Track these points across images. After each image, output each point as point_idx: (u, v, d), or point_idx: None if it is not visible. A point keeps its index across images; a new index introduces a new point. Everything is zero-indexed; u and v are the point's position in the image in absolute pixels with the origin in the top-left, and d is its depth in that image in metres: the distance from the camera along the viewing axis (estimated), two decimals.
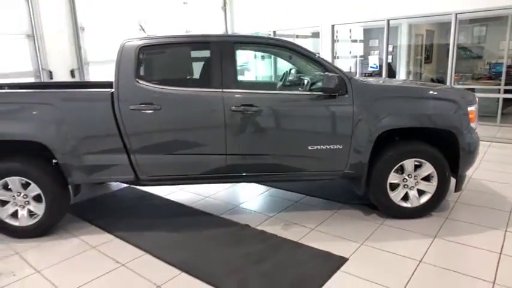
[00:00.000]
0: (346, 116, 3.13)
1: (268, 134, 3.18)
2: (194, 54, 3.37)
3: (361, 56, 9.41)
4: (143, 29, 3.55)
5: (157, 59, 3.31)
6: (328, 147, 3.18)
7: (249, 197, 4.10)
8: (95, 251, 3.04)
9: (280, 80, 4.27)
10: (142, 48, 3.14)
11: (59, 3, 6.09)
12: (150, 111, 3.07)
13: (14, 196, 3.21)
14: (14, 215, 3.25)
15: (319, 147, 3.18)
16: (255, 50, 3.73)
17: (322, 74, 3.16)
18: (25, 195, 3.21)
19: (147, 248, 3.02)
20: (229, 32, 9.13)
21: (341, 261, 2.72)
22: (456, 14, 6.22)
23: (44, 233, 3.29)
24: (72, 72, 6.29)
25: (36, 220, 3.25)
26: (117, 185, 4.58)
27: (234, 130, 3.12)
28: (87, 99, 3.18)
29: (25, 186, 3.19)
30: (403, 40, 8.44)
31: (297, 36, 8.86)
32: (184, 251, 2.96)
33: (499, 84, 7.48)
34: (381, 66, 8.17)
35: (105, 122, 3.09)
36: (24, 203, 3.23)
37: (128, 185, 4.52)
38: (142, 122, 3.10)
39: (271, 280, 2.52)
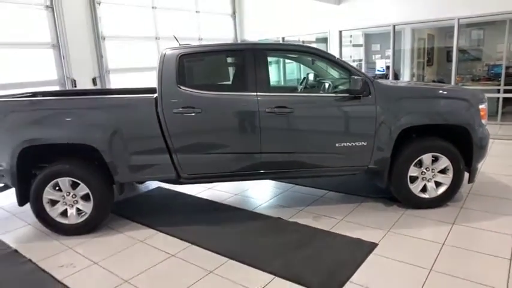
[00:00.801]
0: (370, 115, 3.43)
1: (299, 133, 3.47)
2: (230, 61, 3.66)
3: (360, 60, 9.78)
4: (176, 39, 3.83)
5: (197, 66, 3.60)
6: (354, 144, 3.48)
7: (275, 194, 4.38)
8: (144, 244, 3.30)
9: (300, 84, 4.58)
10: (183, 56, 3.43)
11: (82, 14, 6.39)
12: (192, 114, 3.35)
13: (63, 196, 3.47)
14: (63, 213, 3.50)
15: (345, 144, 3.47)
16: (284, 57, 4.03)
17: (346, 77, 3.47)
18: (74, 194, 3.47)
19: (192, 240, 3.28)
20: (239, 38, 9.47)
21: (372, 246, 3.01)
22: (459, 19, 6.59)
23: (91, 230, 3.54)
24: (93, 80, 6.57)
25: (84, 218, 3.50)
26: (145, 187, 4.84)
27: (268, 130, 3.41)
28: (133, 104, 3.45)
29: (74, 186, 3.45)
30: (406, 44, 8.80)
31: (303, 42, 9.20)
32: (227, 241, 3.23)
33: (498, 85, 7.86)
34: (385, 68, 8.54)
35: (150, 124, 3.36)
36: (73, 202, 3.49)
37: (157, 186, 4.80)
38: (185, 124, 3.38)
39: (312, 262, 2.80)
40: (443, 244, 2.99)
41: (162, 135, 3.38)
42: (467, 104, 3.59)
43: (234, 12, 9.46)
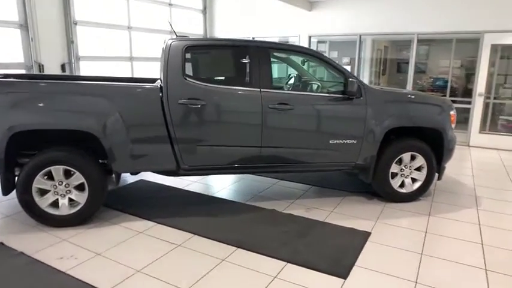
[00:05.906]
0: (361, 115, 3.74)
1: (298, 129, 3.67)
2: (235, 56, 3.73)
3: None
4: (173, 29, 3.83)
5: (202, 58, 3.63)
6: (345, 141, 3.76)
7: (262, 188, 4.53)
8: (144, 235, 3.26)
9: (286, 84, 4.79)
10: (188, 48, 3.45)
11: None
12: (197, 106, 3.39)
13: (55, 185, 3.29)
14: (54, 204, 3.32)
15: (338, 141, 3.75)
16: (284, 56, 4.16)
17: (340, 79, 3.76)
18: (67, 184, 3.31)
19: (193, 230, 3.31)
20: (208, 35, 9.45)
21: (366, 234, 3.31)
22: (417, 35, 7.30)
23: (83, 222, 3.40)
24: (62, 67, 6.16)
25: (77, 209, 3.35)
26: (125, 180, 4.70)
27: (269, 125, 3.56)
28: (137, 93, 3.39)
29: (67, 175, 3.29)
30: (366, 53, 9.46)
31: None
32: (229, 231, 3.31)
33: (443, 96, 8.82)
34: None
35: (153, 114, 3.34)
36: (65, 192, 3.32)
37: (140, 178, 4.70)
38: (189, 116, 3.41)
39: (316, 249, 3.02)
40: (426, 232, 3.39)
41: (165, 125, 3.37)
42: (440, 110, 4.07)
43: (205, 8, 9.42)
